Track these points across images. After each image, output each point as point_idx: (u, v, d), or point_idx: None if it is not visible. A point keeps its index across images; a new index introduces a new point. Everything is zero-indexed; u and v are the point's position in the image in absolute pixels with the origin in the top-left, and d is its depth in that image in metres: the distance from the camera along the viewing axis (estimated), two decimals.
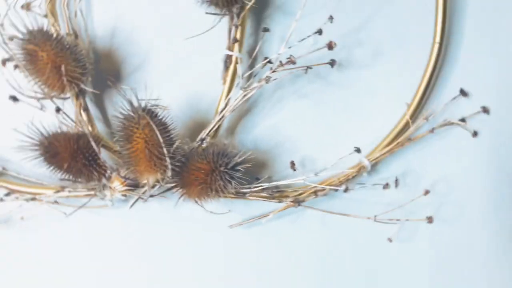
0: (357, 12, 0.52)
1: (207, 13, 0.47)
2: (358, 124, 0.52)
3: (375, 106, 0.52)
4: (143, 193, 0.47)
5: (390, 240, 0.50)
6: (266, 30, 0.48)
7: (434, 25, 0.50)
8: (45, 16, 0.49)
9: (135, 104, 0.42)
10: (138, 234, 0.51)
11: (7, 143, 0.50)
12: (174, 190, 0.46)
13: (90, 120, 0.49)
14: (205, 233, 0.51)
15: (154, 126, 0.40)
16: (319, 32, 0.45)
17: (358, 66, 0.52)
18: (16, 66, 0.48)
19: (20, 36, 0.44)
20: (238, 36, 0.48)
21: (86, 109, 0.49)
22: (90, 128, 0.48)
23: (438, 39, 0.49)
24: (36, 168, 0.47)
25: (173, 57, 0.52)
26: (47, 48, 0.44)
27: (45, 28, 0.45)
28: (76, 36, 0.50)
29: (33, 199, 0.47)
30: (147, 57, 0.52)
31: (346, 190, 0.46)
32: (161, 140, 0.41)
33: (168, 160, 0.42)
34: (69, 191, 0.47)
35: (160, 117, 0.43)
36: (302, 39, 0.47)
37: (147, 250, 0.52)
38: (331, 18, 0.44)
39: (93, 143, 0.43)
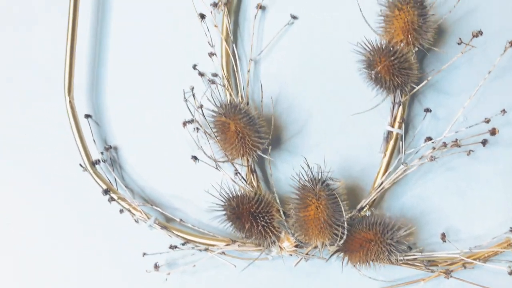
0: (505, 93, 0.55)
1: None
2: (502, 200, 0.55)
3: None
4: (307, 253, 0.51)
5: None
6: (428, 110, 0.52)
7: None
8: (223, 85, 0.55)
9: (316, 177, 0.47)
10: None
11: (184, 197, 0.57)
12: (336, 254, 0.51)
13: (257, 182, 0.54)
14: None
15: (339, 201, 0.45)
16: (487, 121, 0.49)
17: (505, 144, 0.55)
18: (196, 129, 0.54)
19: (214, 108, 0.50)
20: (399, 114, 0.52)
21: (254, 171, 0.54)
22: (258, 190, 0.53)
23: None
24: (209, 221, 0.53)
25: (329, 125, 0.56)
26: (237, 121, 0.49)
27: (234, 102, 0.51)
28: (247, 103, 0.56)
29: (206, 249, 0.53)
30: (306, 124, 0.57)
31: (511, 273, 0.49)
32: (344, 214, 0.45)
33: (342, 230, 0.47)
34: (239, 245, 0.52)
35: (334, 190, 0.48)
36: (470, 126, 0.50)
37: None
38: (503, 111, 0.48)
39: (281, 211, 0.48)
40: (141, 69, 0.59)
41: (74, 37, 0.56)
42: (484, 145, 0.52)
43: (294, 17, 0.56)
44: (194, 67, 0.54)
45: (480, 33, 0.46)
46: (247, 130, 0.50)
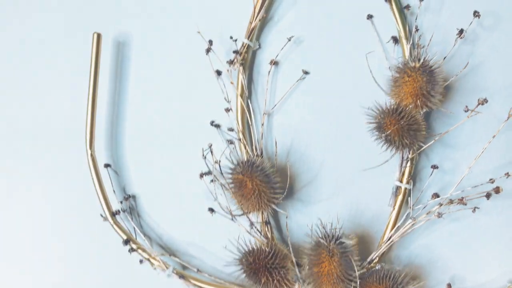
0: (509, 145, 0.58)
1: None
2: (505, 249, 0.57)
3: None
4: None
5: None
6: (435, 167, 0.54)
7: None
8: (239, 139, 0.58)
9: (330, 234, 0.50)
10: None
11: (200, 245, 0.59)
12: None
13: (272, 233, 0.56)
14: None
15: (352, 258, 0.47)
16: (492, 181, 0.52)
17: (508, 197, 0.57)
18: (212, 181, 0.57)
19: (231, 166, 0.53)
20: (407, 170, 0.55)
21: (268, 223, 0.57)
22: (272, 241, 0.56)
23: None
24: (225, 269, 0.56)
25: (340, 176, 0.59)
26: (253, 179, 0.52)
27: (250, 159, 0.53)
28: (262, 156, 0.58)
29: None
30: (318, 175, 0.59)
31: None
32: (356, 271, 0.48)
33: (354, 285, 0.49)
34: None
35: (347, 246, 0.50)
36: (475, 186, 0.53)
37: None
38: (507, 174, 0.50)
39: (295, 264, 0.50)
40: (159, 120, 0.61)
41: (95, 93, 0.58)
42: (488, 198, 0.55)
43: (306, 72, 0.59)
44: (212, 123, 0.57)
45: (485, 101, 0.49)
46: (263, 187, 0.52)
